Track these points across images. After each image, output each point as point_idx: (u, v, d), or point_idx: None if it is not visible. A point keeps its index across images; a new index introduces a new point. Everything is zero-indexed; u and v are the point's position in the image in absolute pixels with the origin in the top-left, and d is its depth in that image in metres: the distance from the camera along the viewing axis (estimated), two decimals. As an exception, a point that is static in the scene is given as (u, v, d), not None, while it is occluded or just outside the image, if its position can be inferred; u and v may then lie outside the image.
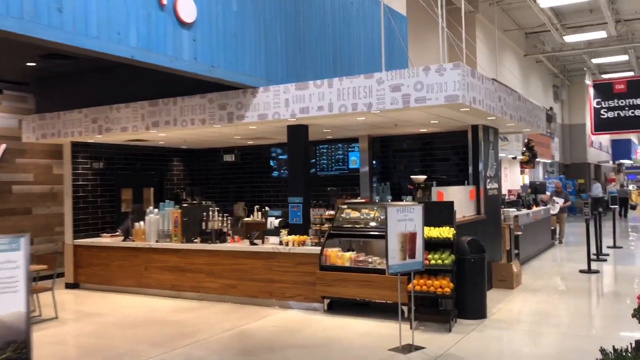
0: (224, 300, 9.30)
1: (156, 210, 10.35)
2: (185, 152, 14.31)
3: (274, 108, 8.23)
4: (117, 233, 11.30)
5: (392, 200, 10.07)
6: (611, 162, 43.70)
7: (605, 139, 41.10)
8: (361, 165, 11.73)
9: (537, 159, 19.78)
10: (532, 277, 10.89)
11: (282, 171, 13.29)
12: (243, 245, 9.36)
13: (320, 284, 8.34)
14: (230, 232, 9.98)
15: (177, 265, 9.81)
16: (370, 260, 8.25)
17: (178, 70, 6.92)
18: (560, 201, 17.01)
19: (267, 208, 12.92)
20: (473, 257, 7.85)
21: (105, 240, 10.99)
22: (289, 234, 9.09)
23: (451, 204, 7.93)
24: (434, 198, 8.94)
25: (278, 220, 9.41)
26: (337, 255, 8.40)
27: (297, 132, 9.21)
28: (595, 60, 26.39)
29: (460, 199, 9.33)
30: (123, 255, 10.44)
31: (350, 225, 8.73)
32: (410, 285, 7.13)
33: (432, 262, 7.45)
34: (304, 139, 9.32)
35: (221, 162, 13.44)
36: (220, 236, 9.71)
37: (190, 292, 9.65)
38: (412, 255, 6.60)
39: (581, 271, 11.49)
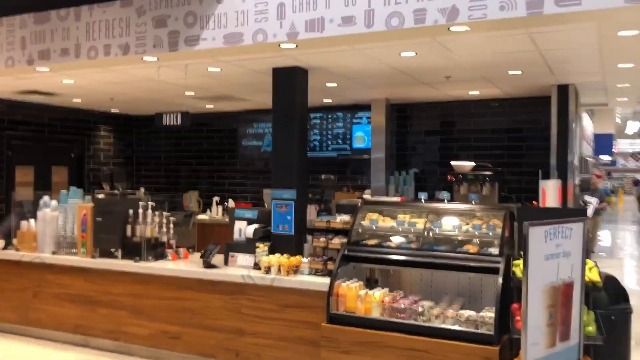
0: (160, 357, 5.56)
1: (54, 202, 6.45)
2: (118, 118, 10.36)
3: (257, 22, 4.41)
4: (-3, 235, 7.33)
5: (449, 200, 6.07)
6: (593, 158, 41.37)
7: (589, 132, 38.65)
8: (373, 144, 8.00)
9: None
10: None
11: (252, 151, 9.52)
12: (192, 266, 5.61)
13: (329, 349, 4.67)
14: (172, 241, 6.19)
15: (85, 294, 6.02)
16: (420, 308, 4.58)
17: None
18: (594, 201, 13.72)
19: (230, 202, 9.17)
20: (615, 312, 4.28)
21: (-21, 246, 7.04)
22: (272, 251, 5.40)
23: (582, 213, 4.32)
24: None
25: (253, 227, 5.65)
26: (359, 296, 4.73)
27: (289, 79, 5.48)
28: None
29: (549, 199, 5.78)
30: (1, 273, 6.54)
31: (376, 242, 5.08)
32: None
33: (565, 329, 3.82)
34: (301, 93, 5.59)
35: (168, 133, 9.59)
36: (156, 249, 5.93)
37: (104, 340, 5.89)
38: (566, 333, 2.97)
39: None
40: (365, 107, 8.27)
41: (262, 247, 5.46)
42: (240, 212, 6.05)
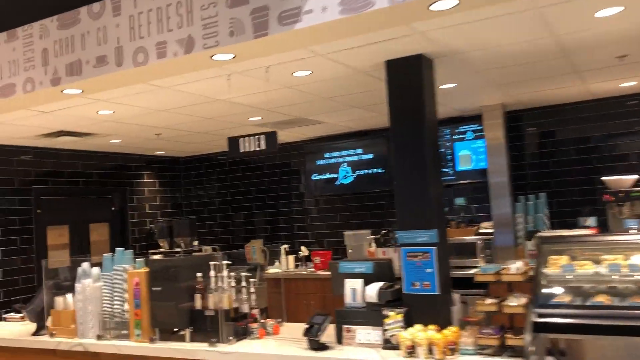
0: None
1: (95, 270, 4.92)
2: (163, 161, 8.94)
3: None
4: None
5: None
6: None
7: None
8: (491, 165, 6.31)
9: None
10: None
11: (324, 187, 7.93)
12: (292, 347, 3.99)
13: None
14: (256, 311, 4.59)
15: (143, 394, 4.41)
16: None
17: None
18: None
19: (303, 249, 7.63)
20: None
21: (9, 328, 5.55)
22: (408, 321, 3.73)
23: None
24: None
25: (376, 286, 4.00)
26: (574, 389, 3.00)
27: (413, 74, 3.93)
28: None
29: None
30: (32, 366, 5.02)
31: (571, 298, 3.40)
32: None
33: None
34: (429, 94, 4.00)
35: (221, 174, 8.12)
36: (237, 321, 4.33)
37: None
38: None
39: None
40: (469, 119, 6.64)
41: (394, 316, 3.79)
42: (348, 265, 4.40)
